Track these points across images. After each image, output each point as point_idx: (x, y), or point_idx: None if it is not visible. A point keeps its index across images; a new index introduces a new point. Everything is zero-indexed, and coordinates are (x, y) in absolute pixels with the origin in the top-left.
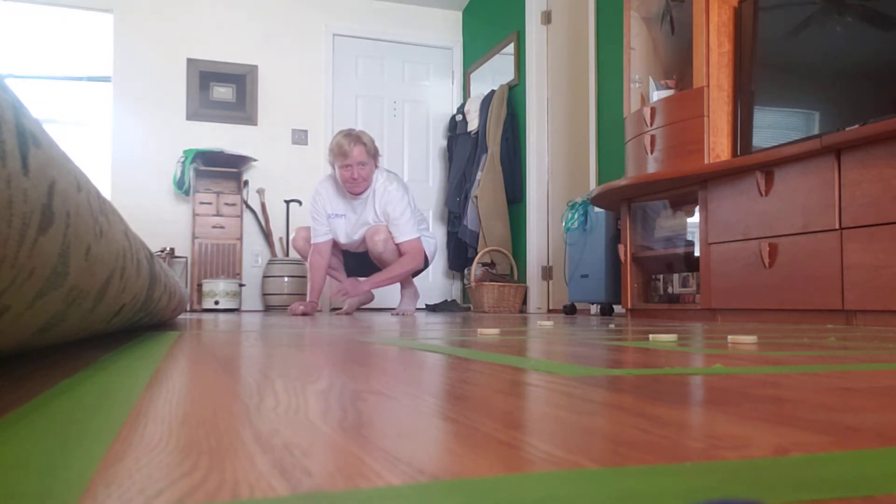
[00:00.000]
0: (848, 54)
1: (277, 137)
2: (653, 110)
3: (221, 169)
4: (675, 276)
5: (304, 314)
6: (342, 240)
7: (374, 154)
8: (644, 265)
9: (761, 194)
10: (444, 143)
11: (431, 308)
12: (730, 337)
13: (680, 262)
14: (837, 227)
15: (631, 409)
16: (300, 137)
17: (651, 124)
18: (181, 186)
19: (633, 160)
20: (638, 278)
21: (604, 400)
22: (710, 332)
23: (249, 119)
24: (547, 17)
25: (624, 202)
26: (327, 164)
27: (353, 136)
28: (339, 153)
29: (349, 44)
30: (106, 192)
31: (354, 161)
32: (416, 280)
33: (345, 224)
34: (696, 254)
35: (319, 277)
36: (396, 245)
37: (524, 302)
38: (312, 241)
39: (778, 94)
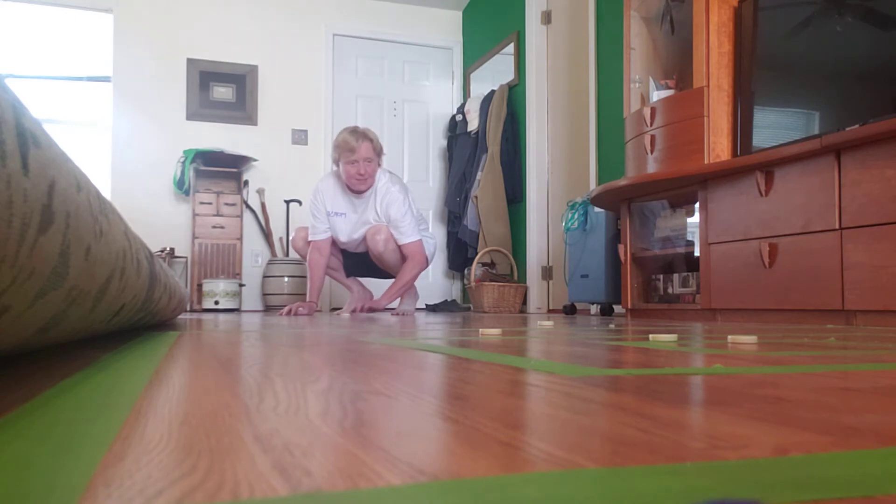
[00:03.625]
0: (848, 54)
1: (277, 137)
2: (653, 110)
3: (221, 169)
4: (675, 276)
5: (298, 315)
6: (342, 238)
7: (379, 152)
8: (644, 265)
9: (761, 194)
10: (444, 143)
11: (431, 308)
12: (730, 337)
13: (680, 262)
14: (837, 227)
15: (631, 409)
16: (300, 137)
17: (651, 124)
18: (181, 186)
19: (633, 160)
20: (638, 278)
21: (604, 400)
22: (710, 332)
23: (249, 119)
24: (547, 17)
25: (624, 202)
26: (327, 164)
27: (359, 133)
28: (345, 149)
29: (349, 44)
30: (106, 192)
31: (361, 157)
32: (416, 280)
33: (345, 223)
34: (696, 254)
35: (319, 277)
36: (399, 246)
37: (524, 302)
38: (310, 239)
39: (778, 94)
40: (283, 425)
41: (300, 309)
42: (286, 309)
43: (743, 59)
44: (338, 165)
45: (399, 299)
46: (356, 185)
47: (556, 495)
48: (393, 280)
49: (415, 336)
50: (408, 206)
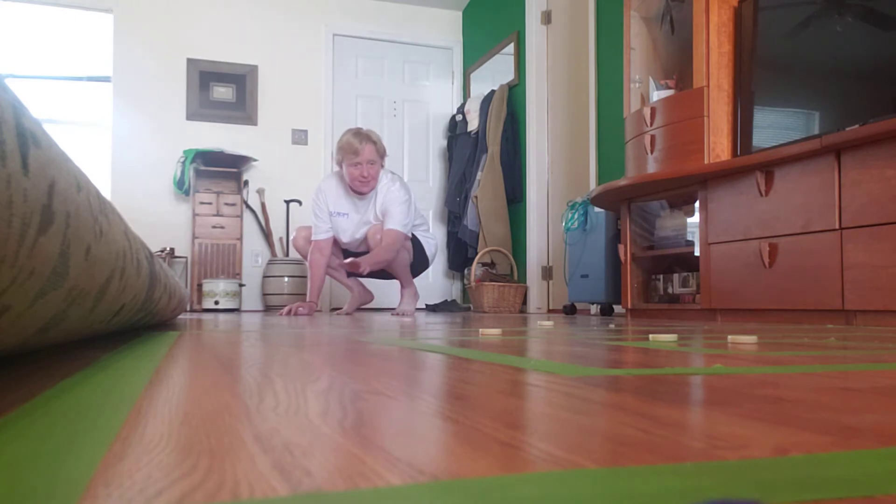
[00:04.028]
0: (848, 54)
1: (277, 137)
2: (653, 110)
3: (221, 169)
4: (675, 276)
5: (298, 315)
6: (344, 239)
7: (382, 154)
8: (644, 265)
9: (761, 194)
10: (444, 143)
11: (431, 308)
12: (730, 337)
13: (680, 262)
14: (837, 227)
15: (631, 409)
16: (300, 137)
17: (651, 124)
18: (181, 186)
19: (633, 160)
20: (638, 278)
21: (604, 400)
22: (710, 332)
23: (249, 119)
24: (547, 17)
25: (624, 202)
26: (327, 164)
27: (363, 135)
28: (349, 151)
29: (349, 44)
30: (106, 192)
31: (365, 159)
32: (416, 280)
33: (347, 223)
34: (696, 254)
35: (319, 277)
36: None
37: (524, 302)
38: (313, 239)
39: (778, 94)
40: (283, 425)
41: (300, 309)
42: (286, 309)
43: (743, 59)
44: (341, 167)
45: (400, 298)
46: (359, 186)
47: (557, 495)
48: (393, 280)
49: (415, 336)
50: (405, 200)
